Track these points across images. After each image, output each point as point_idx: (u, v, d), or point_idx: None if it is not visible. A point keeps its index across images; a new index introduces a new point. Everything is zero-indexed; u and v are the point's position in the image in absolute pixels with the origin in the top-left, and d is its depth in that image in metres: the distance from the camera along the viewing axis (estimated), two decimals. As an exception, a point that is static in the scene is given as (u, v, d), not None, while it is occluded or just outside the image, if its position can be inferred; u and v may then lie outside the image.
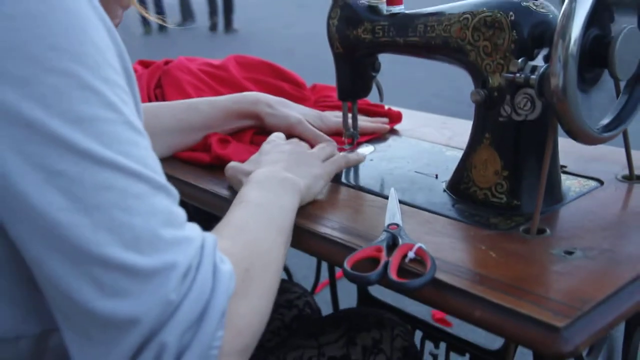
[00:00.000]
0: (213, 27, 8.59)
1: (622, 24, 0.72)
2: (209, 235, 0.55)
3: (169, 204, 0.51)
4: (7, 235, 0.49)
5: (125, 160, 0.48)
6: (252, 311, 0.56)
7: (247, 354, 0.56)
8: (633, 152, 0.86)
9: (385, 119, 1.13)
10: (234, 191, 0.85)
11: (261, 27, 8.18)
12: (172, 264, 0.49)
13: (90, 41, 0.48)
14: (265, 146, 0.88)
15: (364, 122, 1.08)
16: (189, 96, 1.13)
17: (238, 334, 0.53)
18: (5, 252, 0.51)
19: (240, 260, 0.57)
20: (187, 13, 9.22)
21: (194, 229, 0.53)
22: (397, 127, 1.13)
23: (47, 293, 0.50)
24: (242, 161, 0.88)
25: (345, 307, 1.26)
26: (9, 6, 0.46)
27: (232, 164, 0.86)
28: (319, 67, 5.92)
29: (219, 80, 1.21)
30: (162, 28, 8.79)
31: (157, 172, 0.51)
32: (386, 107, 1.16)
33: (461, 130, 1.07)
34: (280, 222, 0.70)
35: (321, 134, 1.00)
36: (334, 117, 1.08)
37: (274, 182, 0.75)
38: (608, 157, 0.91)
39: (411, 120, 1.16)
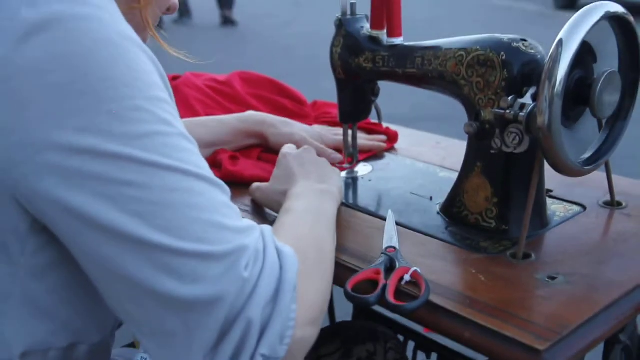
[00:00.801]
0: (226, 21, 8.45)
1: (605, 66, 0.78)
2: (264, 225, 0.61)
3: (226, 198, 0.58)
4: (55, 256, 0.55)
5: (185, 165, 0.54)
6: (316, 289, 0.63)
7: (317, 326, 0.62)
8: (615, 178, 0.92)
9: (383, 137, 1.19)
10: (246, 205, 0.92)
11: (259, 25, 8.21)
12: (241, 247, 0.55)
13: (136, 68, 0.54)
14: (283, 160, 0.91)
15: (362, 140, 1.14)
16: (196, 112, 1.19)
17: (308, 307, 0.60)
18: (49, 271, 0.57)
19: (296, 247, 0.63)
20: (183, 9, 9.25)
21: (248, 220, 0.60)
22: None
23: (123, 300, 0.55)
24: (253, 176, 0.95)
25: (342, 317, 1.32)
26: (62, 46, 0.51)
27: (257, 185, 0.93)
28: (317, 67, 5.96)
29: (224, 96, 1.27)
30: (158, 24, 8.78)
31: (210, 172, 0.58)
32: (384, 125, 1.22)
33: (454, 151, 1.13)
34: (325, 222, 0.77)
35: (324, 147, 1.07)
36: (333, 135, 1.14)
37: (313, 194, 0.82)
38: (592, 182, 0.96)
39: (407, 139, 1.22)
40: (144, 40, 0.74)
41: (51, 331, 0.60)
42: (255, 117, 1.11)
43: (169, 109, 0.56)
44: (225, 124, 1.09)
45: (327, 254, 0.71)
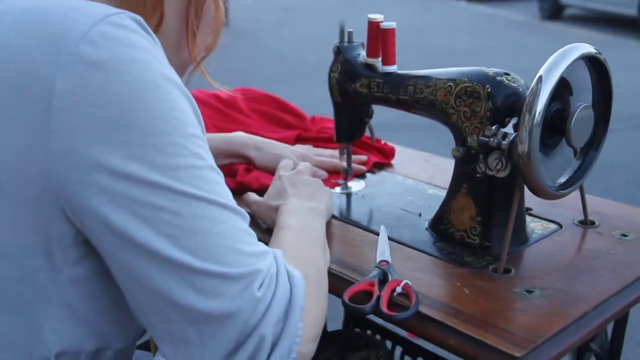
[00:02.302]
0: None
1: (580, 100, 0.86)
2: (276, 250, 0.69)
3: (246, 225, 0.65)
4: (92, 268, 0.62)
5: (213, 196, 0.62)
6: (318, 307, 0.71)
7: (317, 341, 0.70)
8: (589, 198, 1.00)
9: (364, 158, 1.26)
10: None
11: (249, 28, 8.28)
12: (256, 270, 0.62)
13: (176, 107, 0.62)
14: (277, 181, 1.00)
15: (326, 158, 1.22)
16: (206, 126, 1.26)
17: (311, 325, 0.67)
18: (86, 280, 0.64)
19: (299, 269, 0.70)
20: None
21: (263, 245, 0.67)
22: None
23: (147, 310, 0.62)
24: (262, 185, 1.04)
25: (330, 321, 1.39)
26: (115, 85, 0.58)
27: (254, 199, 1.01)
28: (306, 73, 6.03)
29: (228, 106, 1.34)
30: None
31: (233, 201, 0.65)
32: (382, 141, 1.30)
33: (442, 168, 1.21)
34: (317, 240, 0.85)
35: (311, 166, 1.14)
36: (315, 156, 1.22)
37: (303, 211, 0.90)
38: (568, 202, 1.04)
39: (398, 156, 1.29)
40: (184, 73, 0.82)
41: (84, 335, 0.66)
42: (240, 140, 1.18)
43: (201, 143, 0.64)
44: (210, 145, 1.16)
45: (323, 273, 0.79)
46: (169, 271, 0.60)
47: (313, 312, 0.69)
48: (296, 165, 1.08)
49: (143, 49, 0.61)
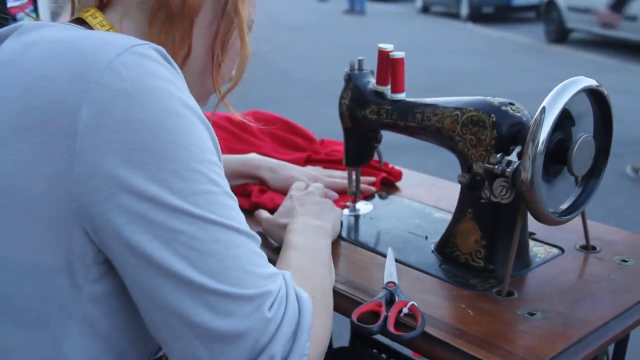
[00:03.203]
0: None
1: (581, 130, 0.89)
2: (285, 271, 0.72)
3: (257, 248, 0.69)
4: (112, 287, 0.65)
5: (228, 221, 0.65)
6: (323, 326, 0.74)
7: (322, 358, 0.73)
8: (590, 224, 1.04)
9: (372, 179, 1.30)
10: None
11: (258, 48, 8.37)
12: (267, 292, 0.66)
13: (194, 134, 0.65)
14: (288, 201, 1.06)
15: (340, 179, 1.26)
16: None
17: (317, 343, 0.71)
18: (106, 298, 0.67)
19: (307, 290, 0.74)
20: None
21: (273, 266, 0.70)
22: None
23: (161, 327, 0.65)
24: (276, 205, 1.07)
25: (336, 338, 1.42)
26: (138, 113, 0.62)
27: (265, 217, 1.05)
28: (314, 92, 6.09)
29: (240, 129, 1.38)
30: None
31: (247, 225, 0.68)
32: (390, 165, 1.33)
33: (448, 192, 1.24)
34: (323, 259, 0.88)
35: (322, 186, 1.18)
36: (326, 177, 1.26)
37: (309, 230, 0.94)
38: (571, 227, 1.07)
39: (405, 180, 1.33)
40: (206, 102, 0.87)
41: (103, 351, 0.70)
42: (254, 161, 1.23)
43: (217, 170, 0.67)
44: (225, 166, 1.20)
45: (329, 291, 0.82)
46: (184, 291, 0.63)
47: (319, 330, 0.72)
48: (308, 186, 1.11)
49: (164, 78, 0.65)
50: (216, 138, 0.70)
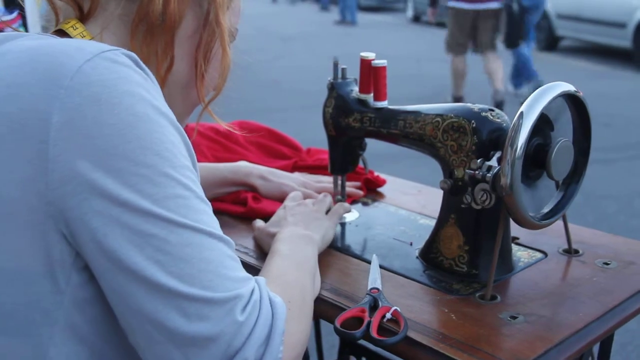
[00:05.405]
0: None
1: (560, 135, 0.90)
2: (258, 277, 0.73)
3: (230, 252, 0.69)
4: (95, 293, 0.66)
5: (199, 225, 0.65)
6: (299, 331, 0.74)
7: None
8: (573, 227, 1.05)
9: (358, 183, 1.31)
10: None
11: (249, 59, 8.40)
12: (239, 295, 0.66)
13: (166, 139, 0.66)
14: (280, 211, 1.07)
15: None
16: (206, 156, 1.31)
17: (292, 347, 0.71)
18: (89, 304, 0.67)
19: (283, 295, 0.74)
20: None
21: (245, 272, 0.71)
22: (380, 191, 1.32)
23: (136, 332, 0.66)
24: (274, 212, 1.08)
25: (327, 349, 1.42)
26: (108, 117, 0.63)
27: (257, 226, 1.07)
28: (302, 99, 6.10)
29: (226, 138, 1.39)
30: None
31: (219, 229, 0.69)
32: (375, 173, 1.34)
33: (433, 199, 1.25)
34: (306, 266, 0.89)
35: (313, 192, 1.20)
36: (315, 183, 1.26)
37: (296, 238, 0.95)
38: (553, 231, 1.08)
39: (391, 187, 1.34)
40: (191, 112, 0.87)
41: (87, 357, 0.70)
42: (245, 169, 1.23)
43: (190, 174, 0.67)
44: (215, 173, 1.21)
45: (308, 297, 0.82)
46: (156, 295, 0.63)
47: (294, 335, 0.72)
48: (304, 197, 1.13)
49: (135, 82, 0.66)
50: (189, 143, 0.71)
